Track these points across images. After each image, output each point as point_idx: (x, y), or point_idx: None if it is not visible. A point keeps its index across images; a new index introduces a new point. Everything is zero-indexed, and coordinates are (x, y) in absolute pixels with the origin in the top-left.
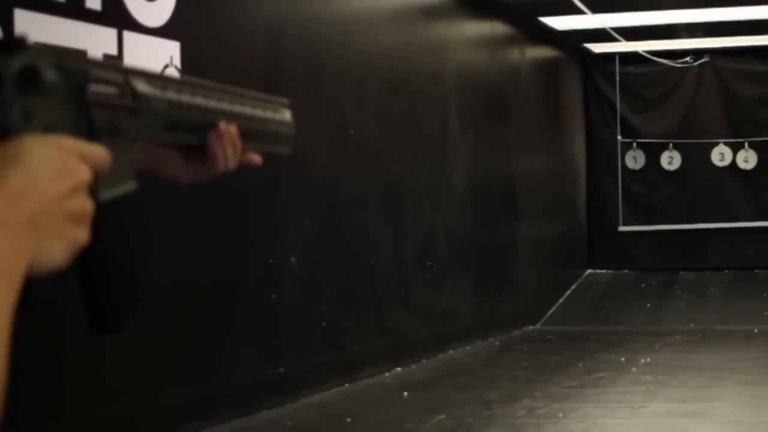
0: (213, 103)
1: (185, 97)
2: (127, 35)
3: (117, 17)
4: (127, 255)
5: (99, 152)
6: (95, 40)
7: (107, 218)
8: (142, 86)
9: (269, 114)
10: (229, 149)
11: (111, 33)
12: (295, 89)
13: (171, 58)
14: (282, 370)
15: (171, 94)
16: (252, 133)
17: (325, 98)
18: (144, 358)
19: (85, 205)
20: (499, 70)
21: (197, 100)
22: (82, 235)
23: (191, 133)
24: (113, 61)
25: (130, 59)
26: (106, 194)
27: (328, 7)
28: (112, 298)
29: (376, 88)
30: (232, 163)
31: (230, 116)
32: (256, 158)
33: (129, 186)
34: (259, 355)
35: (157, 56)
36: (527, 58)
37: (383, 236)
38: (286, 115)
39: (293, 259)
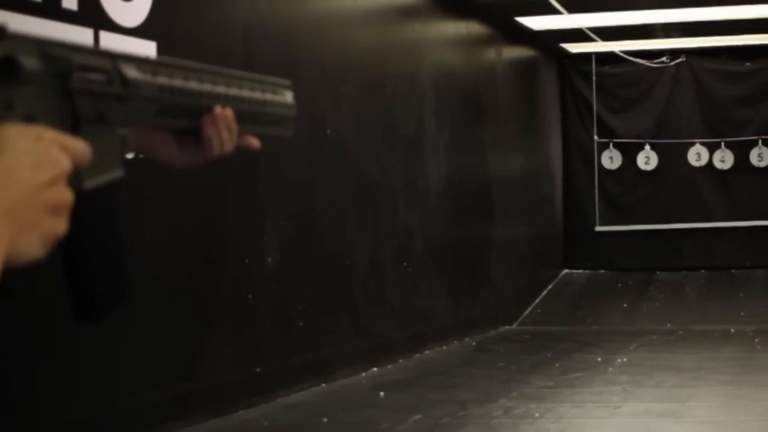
0: (207, 87)
1: (177, 82)
2: (104, 35)
3: (93, 17)
4: (111, 245)
5: (79, 145)
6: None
7: (91, 207)
8: (131, 72)
9: (268, 96)
10: (224, 133)
11: (87, 33)
12: None
13: None
14: (258, 370)
15: (162, 79)
16: (250, 116)
17: (301, 98)
18: (120, 358)
19: (64, 195)
20: (475, 70)
21: (190, 85)
22: (59, 226)
23: (185, 117)
24: (102, 48)
25: None
26: (91, 182)
27: (305, 6)
28: (95, 289)
29: (353, 88)
30: (228, 147)
31: (226, 99)
32: (254, 141)
33: (115, 173)
34: (235, 355)
35: None
36: (504, 58)
37: (360, 236)
38: (287, 96)
39: (270, 259)
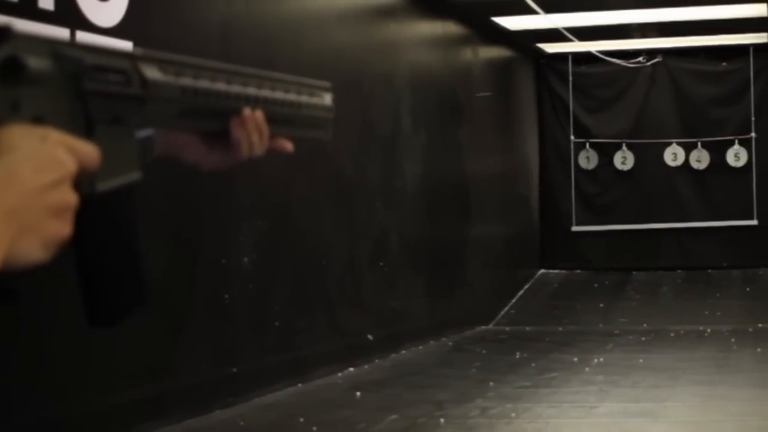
0: (236, 89)
1: (203, 83)
2: (80, 35)
3: (70, 17)
4: (126, 248)
5: (87, 147)
6: None
7: (106, 210)
8: (152, 73)
9: (304, 98)
10: (254, 135)
11: (64, 33)
12: None
13: None
14: (234, 370)
15: (186, 81)
16: (283, 119)
17: None
18: (95, 357)
19: (67, 198)
20: (452, 70)
21: (217, 86)
22: (63, 229)
23: (211, 119)
24: (122, 48)
25: None
26: (104, 185)
27: (281, 7)
28: (109, 293)
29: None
30: (259, 150)
31: (256, 101)
32: (287, 144)
33: (131, 176)
34: (211, 355)
35: None
36: (480, 58)
37: (336, 236)
38: (325, 99)
39: (246, 259)
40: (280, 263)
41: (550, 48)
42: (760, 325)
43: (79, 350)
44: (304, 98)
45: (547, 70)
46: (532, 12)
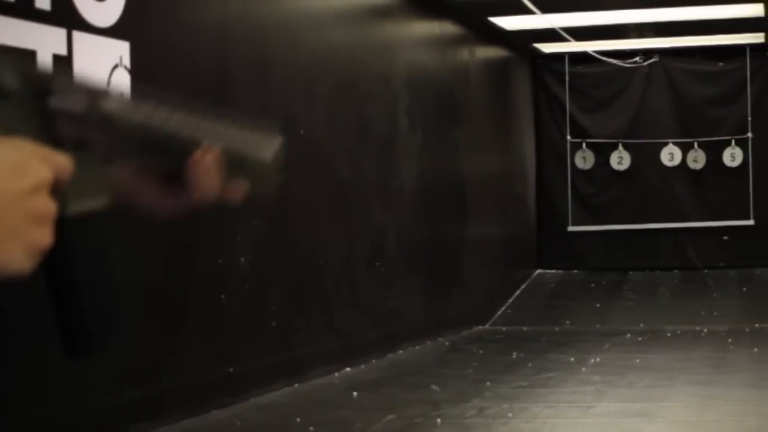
0: (190, 130)
1: (157, 121)
2: (77, 35)
3: (66, 17)
4: (100, 277)
5: (61, 158)
6: (45, 40)
7: (77, 238)
8: (110, 104)
9: (252, 148)
10: (209, 176)
11: (60, 33)
12: (244, 89)
13: (120, 58)
14: (231, 370)
15: (143, 115)
16: (234, 164)
17: (274, 98)
18: (92, 357)
19: (47, 204)
20: (448, 70)
21: (172, 125)
22: (44, 236)
23: (166, 156)
24: (86, 78)
25: (80, 59)
26: (74, 208)
27: (278, 7)
28: (84, 321)
29: (326, 89)
30: (213, 191)
31: (209, 143)
32: (240, 191)
33: (98, 202)
34: (208, 355)
35: (106, 56)
36: (477, 58)
37: (333, 236)
38: (273, 146)
39: (243, 259)
40: (277, 263)
41: (547, 48)
42: (756, 325)
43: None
44: (252, 147)
45: (544, 70)
46: (529, 12)
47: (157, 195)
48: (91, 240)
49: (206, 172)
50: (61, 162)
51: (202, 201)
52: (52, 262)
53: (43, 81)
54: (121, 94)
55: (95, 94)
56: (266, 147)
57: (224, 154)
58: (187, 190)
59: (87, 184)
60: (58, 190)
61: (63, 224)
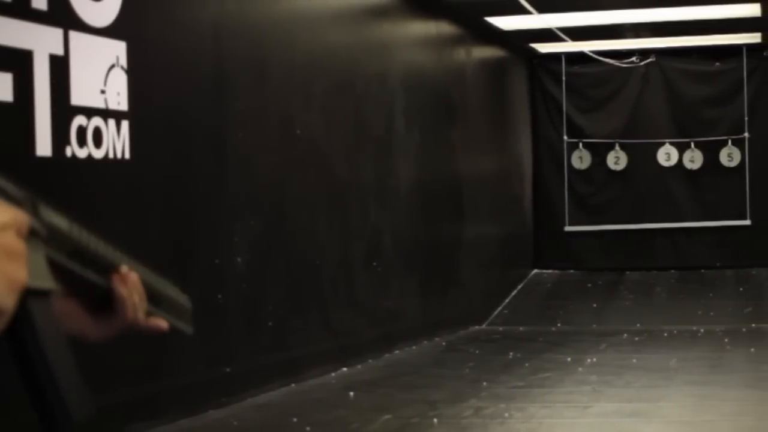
0: (113, 254)
1: (85, 238)
2: (73, 35)
3: (63, 17)
4: (66, 355)
5: (21, 214)
6: (41, 40)
7: (39, 316)
8: (44, 207)
9: (168, 287)
10: (135, 295)
11: (57, 33)
12: (241, 89)
13: (117, 58)
14: (228, 370)
15: (74, 227)
16: (153, 297)
17: (271, 98)
18: (88, 357)
19: (17, 242)
20: (445, 70)
21: (99, 245)
22: (19, 273)
23: (95, 269)
24: (20, 186)
25: (77, 59)
26: (32, 282)
27: (274, 7)
28: (57, 392)
29: (322, 89)
30: (140, 314)
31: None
32: (163, 323)
33: (50, 284)
34: (205, 355)
35: (103, 56)
36: (473, 58)
37: (329, 236)
38: (184, 300)
39: (239, 259)
40: (274, 263)
41: (544, 48)
42: (753, 325)
43: (74, 350)
44: (168, 285)
45: (541, 70)
46: (526, 12)
47: (87, 321)
48: (47, 315)
49: (132, 291)
50: (21, 215)
51: (129, 322)
52: (17, 336)
53: None
54: (55, 211)
55: (34, 199)
56: (178, 292)
57: (144, 281)
58: (115, 312)
59: (39, 266)
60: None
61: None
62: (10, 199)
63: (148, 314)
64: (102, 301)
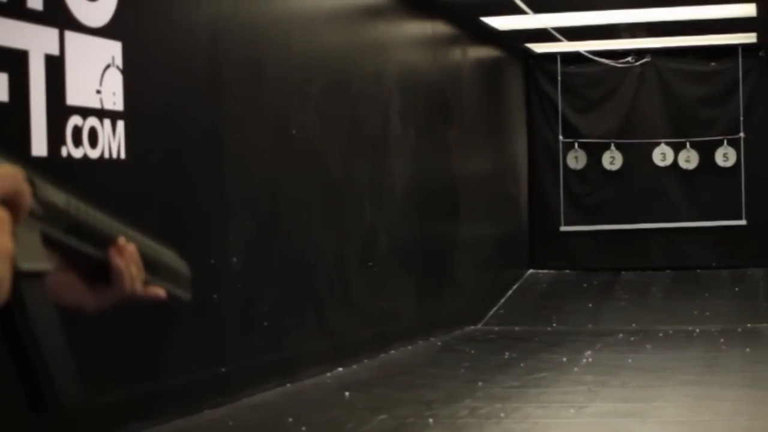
0: (110, 225)
1: (83, 211)
2: (69, 35)
3: (59, 17)
4: (55, 334)
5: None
6: (37, 40)
7: (31, 298)
8: (41, 182)
9: (166, 252)
10: (132, 267)
11: (53, 33)
12: (236, 89)
13: (113, 58)
14: (223, 370)
15: (71, 199)
16: (150, 264)
17: (266, 98)
18: (84, 357)
19: (5, 241)
20: (441, 70)
21: (96, 217)
22: (4, 272)
23: (92, 243)
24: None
25: (72, 59)
26: (26, 265)
27: (270, 7)
28: (48, 374)
29: (318, 89)
30: (138, 285)
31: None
32: (160, 291)
33: (45, 265)
34: (200, 355)
35: (98, 56)
36: (469, 58)
37: (325, 236)
38: (182, 265)
39: (235, 259)
40: (269, 263)
41: (539, 48)
42: (748, 325)
43: (69, 344)
44: (165, 253)
45: (536, 70)
46: (521, 12)
47: (84, 291)
48: (40, 297)
49: (128, 262)
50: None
51: (126, 293)
52: (9, 318)
53: None
54: (51, 182)
55: (31, 174)
56: (177, 259)
57: (141, 251)
58: (112, 283)
59: (33, 246)
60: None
61: (15, 281)
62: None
63: (146, 283)
64: (99, 272)
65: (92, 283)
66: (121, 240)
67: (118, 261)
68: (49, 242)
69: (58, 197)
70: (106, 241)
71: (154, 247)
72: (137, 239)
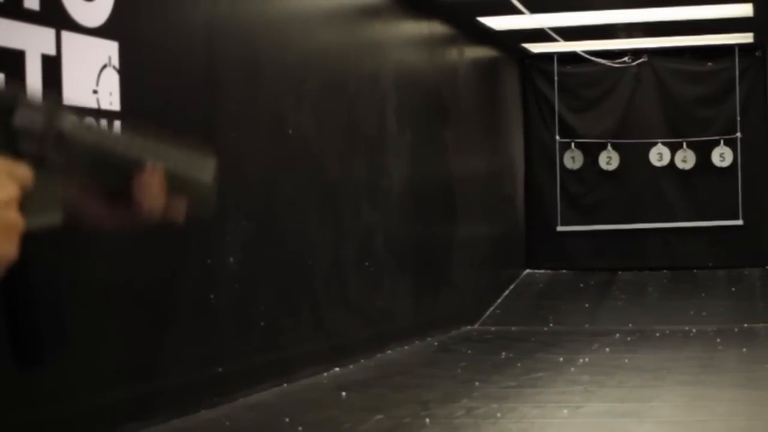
0: (137, 150)
1: (110, 139)
2: (66, 35)
3: (55, 17)
4: (53, 290)
5: (24, 171)
6: (34, 40)
7: (33, 251)
8: (68, 121)
9: (193, 170)
10: (154, 194)
11: (49, 33)
12: (232, 89)
13: (109, 58)
14: (220, 370)
15: (96, 133)
16: (175, 185)
17: (263, 98)
18: (82, 358)
19: (14, 218)
20: (437, 70)
21: (121, 145)
22: (10, 249)
23: (115, 173)
24: (47, 94)
25: (69, 59)
26: (33, 222)
27: (267, 7)
28: (37, 330)
29: (315, 88)
30: (157, 209)
31: (154, 163)
32: (180, 210)
33: (55, 217)
34: (197, 355)
35: (95, 56)
36: (466, 58)
37: (321, 236)
38: (210, 167)
39: (231, 259)
40: (266, 263)
41: (536, 48)
42: (745, 325)
43: (67, 351)
44: (193, 170)
45: (533, 70)
46: (518, 12)
47: (104, 210)
48: (43, 251)
49: (151, 191)
50: (25, 175)
51: (146, 218)
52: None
53: (7, 98)
54: (75, 114)
55: (52, 112)
56: (205, 169)
57: (167, 174)
58: (133, 208)
59: (44, 199)
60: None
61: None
62: (37, 106)
63: (167, 203)
64: (120, 196)
65: (112, 206)
66: (146, 168)
67: (140, 189)
68: (71, 180)
69: (82, 128)
70: (130, 170)
71: (184, 165)
72: (169, 156)
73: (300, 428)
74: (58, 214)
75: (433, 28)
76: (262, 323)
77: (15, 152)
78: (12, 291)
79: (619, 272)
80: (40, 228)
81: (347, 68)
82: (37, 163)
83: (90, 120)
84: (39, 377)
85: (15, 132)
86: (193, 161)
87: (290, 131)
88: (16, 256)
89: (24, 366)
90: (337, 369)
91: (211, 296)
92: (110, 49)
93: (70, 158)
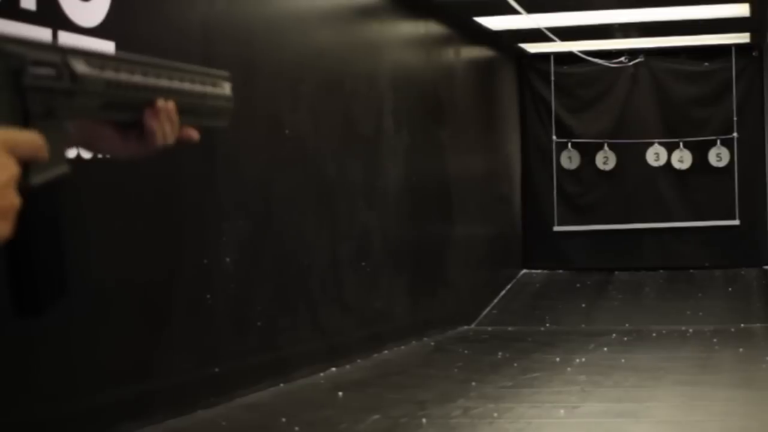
0: (151, 81)
1: (123, 76)
2: (62, 35)
3: (52, 17)
4: (53, 240)
5: (32, 139)
6: None
7: (35, 203)
8: (80, 67)
9: (208, 89)
10: (166, 125)
11: (46, 33)
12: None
13: None
14: (217, 370)
15: (109, 74)
16: (190, 109)
17: (259, 98)
18: (78, 358)
19: (11, 200)
20: (434, 70)
21: (135, 78)
22: (5, 229)
23: (129, 110)
24: (52, 42)
25: None
26: (38, 178)
27: (263, 7)
28: (37, 284)
29: (311, 88)
30: (170, 139)
31: (168, 93)
32: (194, 133)
33: (61, 169)
34: (193, 355)
35: None
36: (462, 58)
37: (318, 236)
38: (226, 88)
39: (228, 259)
40: (263, 263)
41: (532, 48)
42: (742, 325)
43: (63, 351)
44: (209, 88)
45: (529, 70)
46: (514, 12)
47: (116, 141)
48: (46, 202)
49: (163, 122)
50: (33, 144)
51: (161, 147)
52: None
53: (17, 58)
54: (89, 53)
55: (65, 57)
56: (221, 83)
57: (180, 101)
58: (147, 138)
59: (52, 152)
60: (24, 167)
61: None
62: (43, 58)
63: (183, 126)
64: (133, 127)
65: (126, 137)
66: (159, 101)
67: (152, 122)
68: (83, 114)
69: (93, 71)
70: (143, 104)
71: (199, 92)
72: (183, 88)
73: (297, 428)
74: (64, 166)
75: (430, 28)
76: (259, 323)
77: (24, 117)
78: (11, 240)
79: (616, 272)
80: (45, 181)
81: (344, 68)
82: (47, 117)
83: (103, 59)
84: (35, 377)
85: (25, 93)
86: (209, 78)
87: (287, 131)
88: (11, 235)
89: (24, 315)
90: (333, 369)
91: (208, 296)
92: (107, 49)
93: (82, 102)
